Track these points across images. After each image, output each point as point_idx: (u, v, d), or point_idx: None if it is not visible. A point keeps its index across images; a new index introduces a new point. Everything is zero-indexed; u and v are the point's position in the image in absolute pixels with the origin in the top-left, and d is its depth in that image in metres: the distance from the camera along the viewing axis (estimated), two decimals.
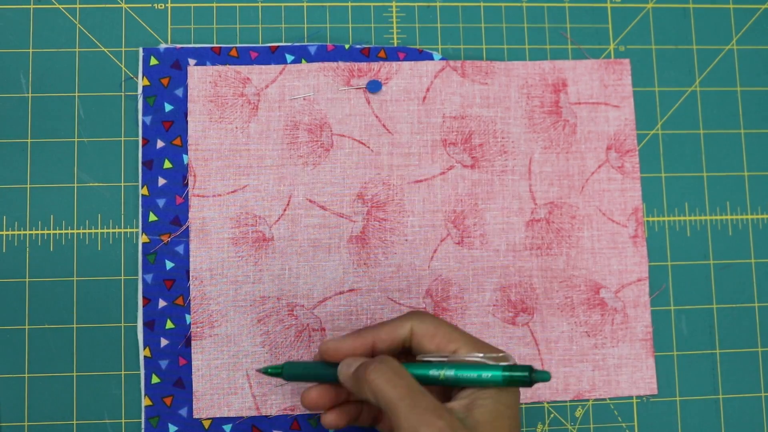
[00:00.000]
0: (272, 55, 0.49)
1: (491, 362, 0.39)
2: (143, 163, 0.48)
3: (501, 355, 0.39)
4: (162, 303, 0.47)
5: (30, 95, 0.48)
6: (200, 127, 0.48)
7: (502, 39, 0.51)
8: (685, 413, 0.49)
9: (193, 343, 0.46)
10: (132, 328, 0.47)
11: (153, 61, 0.48)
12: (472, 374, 0.38)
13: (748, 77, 0.52)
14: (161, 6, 0.50)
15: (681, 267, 0.50)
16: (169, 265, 0.47)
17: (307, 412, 0.46)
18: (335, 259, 0.48)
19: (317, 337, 0.47)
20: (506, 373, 0.38)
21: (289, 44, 0.49)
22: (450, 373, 0.39)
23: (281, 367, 0.43)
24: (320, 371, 0.42)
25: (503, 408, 0.38)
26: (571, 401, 0.48)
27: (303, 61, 0.49)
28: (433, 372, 0.39)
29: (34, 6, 0.49)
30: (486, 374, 0.38)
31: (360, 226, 0.48)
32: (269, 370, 0.44)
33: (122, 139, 0.48)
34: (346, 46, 0.49)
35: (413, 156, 0.49)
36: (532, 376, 0.38)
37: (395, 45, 0.50)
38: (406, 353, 0.42)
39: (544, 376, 0.38)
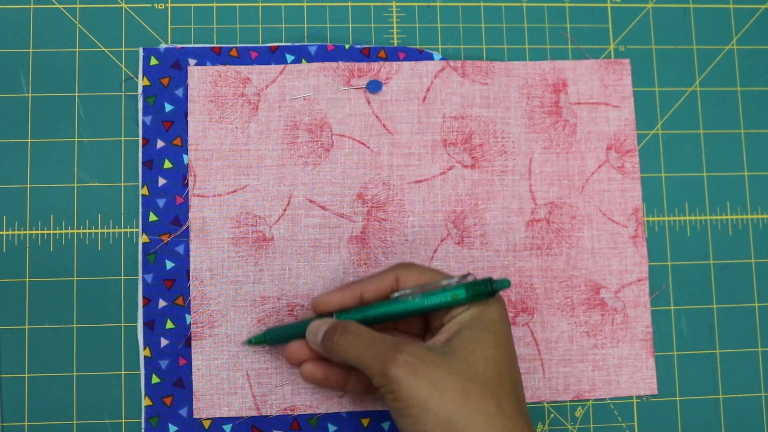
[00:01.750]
0: (272, 55, 0.49)
1: (455, 283, 0.40)
2: (143, 163, 0.48)
3: (465, 274, 0.40)
4: (162, 303, 0.47)
5: (30, 95, 0.48)
6: (200, 127, 0.48)
7: (502, 39, 0.51)
8: (685, 413, 0.49)
9: (193, 343, 0.46)
10: (132, 328, 0.47)
11: (153, 61, 0.48)
12: (438, 297, 0.39)
13: (748, 77, 0.52)
14: (161, 6, 0.50)
15: (681, 267, 0.50)
16: (169, 265, 0.47)
17: (307, 412, 0.46)
18: (335, 259, 0.48)
19: None
20: (469, 289, 0.39)
21: (289, 44, 0.49)
22: (417, 299, 0.40)
23: (264, 335, 0.45)
24: (300, 331, 0.43)
25: (480, 333, 0.38)
26: (571, 401, 0.48)
27: (303, 61, 0.49)
28: (401, 300, 0.40)
29: (34, 6, 0.49)
30: (450, 294, 0.39)
31: (360, 226, 0.48)
32: (252, 341, 0.45)
33: (122, 139, 0.48)
34: (346, 46, 0.49)
35: (413, 156, 0.49)
36: (492, 286, 0.39)
37: (395, 45, 0.50)
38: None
39: (504, 284, 0.39)
